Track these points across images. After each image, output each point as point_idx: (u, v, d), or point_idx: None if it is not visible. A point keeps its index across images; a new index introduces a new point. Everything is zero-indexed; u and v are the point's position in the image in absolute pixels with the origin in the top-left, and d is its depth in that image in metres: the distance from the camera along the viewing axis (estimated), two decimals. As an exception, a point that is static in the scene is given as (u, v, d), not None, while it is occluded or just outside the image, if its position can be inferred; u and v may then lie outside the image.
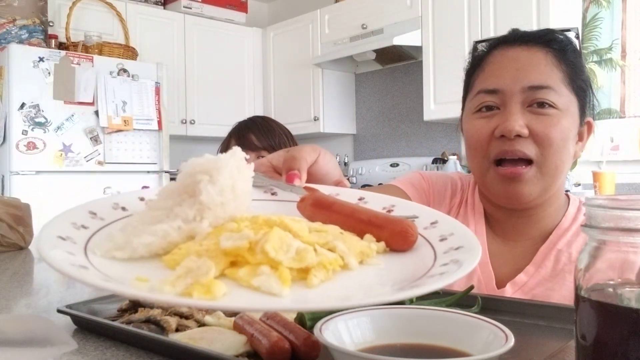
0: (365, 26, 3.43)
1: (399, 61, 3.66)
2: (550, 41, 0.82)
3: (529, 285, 0.83)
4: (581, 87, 0.83)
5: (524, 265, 0.85)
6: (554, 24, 2.63)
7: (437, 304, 0.63)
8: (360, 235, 0.45)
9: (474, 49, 0.90)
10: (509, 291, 0.83)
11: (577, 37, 0.86)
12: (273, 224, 0.39)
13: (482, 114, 0.82)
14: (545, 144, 0.77)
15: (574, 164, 2.88)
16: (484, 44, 0.88)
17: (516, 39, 0.84)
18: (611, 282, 0.37)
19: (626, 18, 2.72)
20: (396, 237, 0.45)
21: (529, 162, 0.78)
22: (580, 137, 0.85)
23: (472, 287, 0.66)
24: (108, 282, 0.35)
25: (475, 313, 0.51)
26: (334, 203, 0.49)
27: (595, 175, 2.61)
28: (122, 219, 0.45)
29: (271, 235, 0.37)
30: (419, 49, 3.21)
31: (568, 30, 0.86)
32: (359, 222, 0.46)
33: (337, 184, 0.56)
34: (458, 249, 0.42)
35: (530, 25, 2.64)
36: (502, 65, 0.82)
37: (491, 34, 2.79)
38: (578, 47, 0.85)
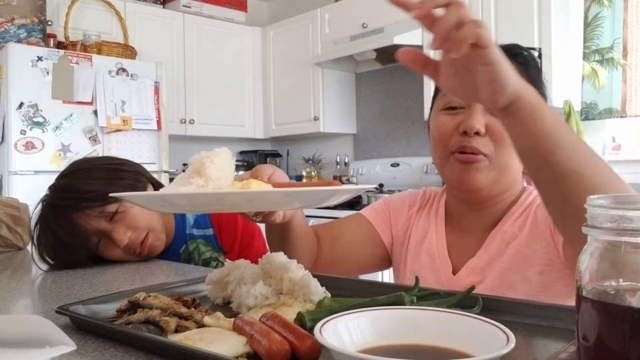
0: (365, 25, 3.43)
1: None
2: (515, 55, 0.90)
3: (480, 266, 0.93)
4: None
5: (477, 250, 0.95)
6: (556, 24, 2.63)
7: (438, 304, 0.63)
8: None
9: None
10: (463, 274, 0.93)
11: (540, 56, 1.00)
12: (251, 182, 0.70)
13: (448, 112, 0.92)
14: (499, 141, 0.87)
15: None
16: None
17: None
18: (612, 283, 0.37)
19: (627, 17, 2.71)
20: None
21: (484, 155, 0.89)
22: None
23: (473, 288, 0.66)
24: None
25: (476, 314, 0.50)
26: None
27: (596, 175, 2.61)
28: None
29: (252, 183, 0.70)
30: (419, 49, 3.20)
31: (533, 49, 0.97)
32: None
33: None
34: None
35: (531, 25, 2.64)
36: None
37: (492, 33, 2.78)
38: (539, 65, 0.95)
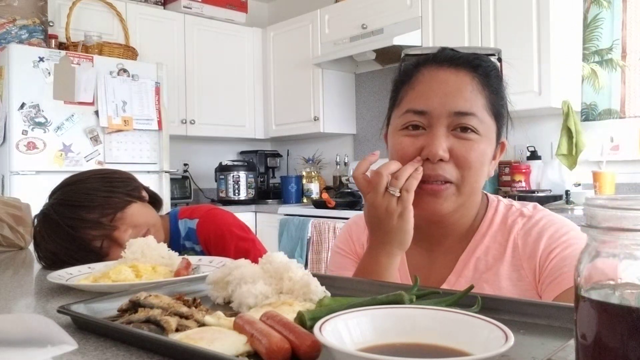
0: (365, 26, 3.43)
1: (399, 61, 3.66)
2: (477, 67, 0.86)
3: None
4: (500, 112, 0.89)
5: (447, 275, 0.90)
6: (555, 25, 2.63)
7: (437, 303, 0.63)
8: None
9: (403, 59, 0.93)
10: None
11: (500, 60, 0.90)
12: (132, 265, 0.94)
13: (408, 132, 0.87)
14: (464, 166, 0.84)
15: (573, 163, 2.86)
16: (413, 57, 0.92)
17: (444, 60, 0.87)
18: (611, 282, 0.37)
19: (626, 19, 2.72)
20: None
21: (449, 182, 0.85)
22: (494, 157, 0.91)
23: (471, 287, 0.66)
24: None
25: (475, 312, 0.51)
26: None
27: (595, 175, 2.61)
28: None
29: (117, 268, 0.92)
30: (419, 49, 3.21)
31: (492, 54, 0.91)
32: None
33: None
34: None
35: (530, 26, 2.64)
36: (431, 87, 0.86)
37: (491, 34, 2.79)
38: (499, 70, 0.89)
